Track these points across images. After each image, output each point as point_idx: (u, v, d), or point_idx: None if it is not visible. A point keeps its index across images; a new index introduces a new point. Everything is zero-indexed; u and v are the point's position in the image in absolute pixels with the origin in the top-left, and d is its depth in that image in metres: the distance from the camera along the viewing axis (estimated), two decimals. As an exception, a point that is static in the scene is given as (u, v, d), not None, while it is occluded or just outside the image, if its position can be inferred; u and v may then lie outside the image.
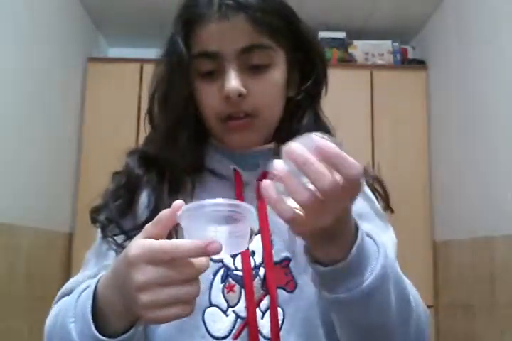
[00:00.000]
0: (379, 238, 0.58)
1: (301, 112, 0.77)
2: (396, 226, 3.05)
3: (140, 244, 0.49)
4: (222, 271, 0.68)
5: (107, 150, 3.04)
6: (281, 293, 0.67)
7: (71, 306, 0.59)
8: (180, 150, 0.72)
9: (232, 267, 0.68)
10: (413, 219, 3.02)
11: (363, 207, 0.75)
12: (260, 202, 0.69)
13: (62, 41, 2.86)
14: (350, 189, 0.45)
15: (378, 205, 0.78)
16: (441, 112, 3.01)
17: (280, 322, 0.66)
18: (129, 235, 0.67)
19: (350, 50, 3.30)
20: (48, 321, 0.67)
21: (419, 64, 3.25)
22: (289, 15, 0.75)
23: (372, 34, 3.36)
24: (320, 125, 0.79)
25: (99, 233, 0.73)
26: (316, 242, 0.52)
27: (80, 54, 3.13)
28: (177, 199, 0.56)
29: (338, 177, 0.45)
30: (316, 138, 0.46)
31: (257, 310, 0.66)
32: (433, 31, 3.20)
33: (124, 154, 0.78)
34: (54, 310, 0.68)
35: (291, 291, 0.68)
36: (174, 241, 0.49)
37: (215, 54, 0.69)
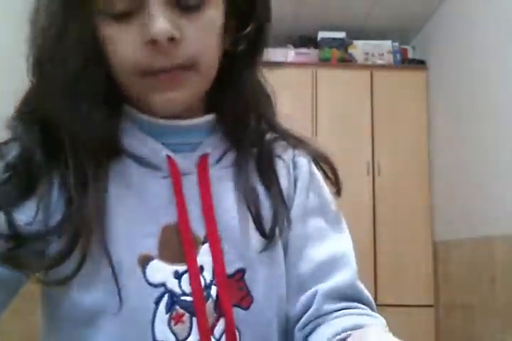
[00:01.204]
0: (344, 254, 0.56)
1: (239, 70, 0.59)
2: (396, 226, 3.07)
3: None
4: (166, 298, 0.52)
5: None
6: (237, 312, 0.54)
7: None
8: (83, 117, 0.52)
9: (179, 291, 0.53)
10: (413, 219, 3.02)
11: (315, 201, 0.63)
12: (204, 199, 0.56)
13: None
14: None
15: (331, 199, 0.64)
16: (441, 112, 3.01)
17: None
18: (22, 233, 0.50)
19: (350, 50, 3.30)
20: None
21: (419, 64, 3.26)
22: None
23: (372, 34, 3.36)
24: (260, 90, 0.62)
25: None
26: None
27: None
28: (89, 195, 0.47)
29: None
30: None
31: (212, 338, 0.53)
32: (433, 31, 3.20)
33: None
34: None
35: (247, 308, 0.55)
36: None
37: None
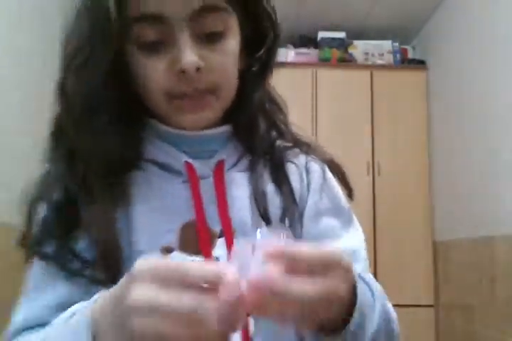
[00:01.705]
0: (353, 249, 0.60)
1: (251, 87, 0.65)
2: (396, 226, 3.07)
3: (150, 260, 0.40)
4: None
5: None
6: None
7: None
8: (106, 137, 0.58)
9: None
10: (413, 219, 3.03)
11: (328, 202, 0.67)
12: (220, 199, 0.61)
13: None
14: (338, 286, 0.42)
15: (344, 200, 0.69)
16: (441, 112, 3.01)
17: (252, 332, 0.58)
18: (87, 261, 0.57)
19: (350, 50, 3.30)
20: None
21: (419, 64, 3.26)
22: None
23: (372, 34, 3.36)
24: (272, 102, 0.70)
25: (36, 259, 0.62)
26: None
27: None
28: (104, 204, 0.55)
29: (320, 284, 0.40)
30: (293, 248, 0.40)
31: None
32: (433, 31, 3.20)
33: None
34: None
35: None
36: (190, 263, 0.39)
37: (160, 18, 0.55)
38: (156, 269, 0.39)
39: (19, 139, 2.35)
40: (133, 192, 0.60)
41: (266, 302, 0.38)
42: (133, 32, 0.56)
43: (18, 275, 2.46)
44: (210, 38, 0.58)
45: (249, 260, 0.40)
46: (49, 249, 0.59)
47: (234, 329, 0.37)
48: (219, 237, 0.60)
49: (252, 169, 0.65)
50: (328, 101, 3.10)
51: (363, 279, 0.51)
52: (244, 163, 0.66)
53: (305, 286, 0.39)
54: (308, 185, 0.67)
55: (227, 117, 0.65)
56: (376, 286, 0.53)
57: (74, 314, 0.47)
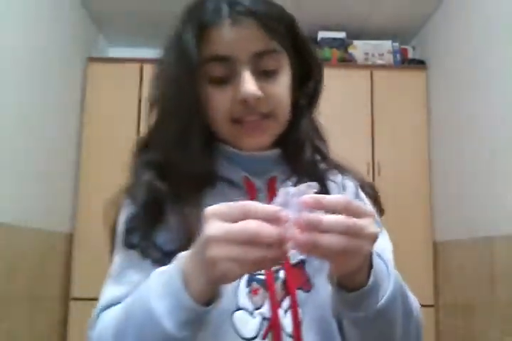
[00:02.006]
0: (382, 248, 0.67)
1: (299, 117, 0.80)
2: (396, 226, 3.07)
3: (219, 205, 0.53)
4: (246, 276, 0.71)
5: (107, 150, 3.05)
6: (299, 293, 0.71)
7: (146, 292, 0.58)
8: (193, 155, 0.72)
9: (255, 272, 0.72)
10: (413, 219, 3.03)
11: None
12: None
13: (62, 41, 2.86)
14: (370, 233, 0.53)
15: (374, 212, 0.80)
16: (441, 112, 3.01)
17: (299, 320, 0.71)
18: (167, 252, 0.68)
19: (350, 50, 3.30)
20: (102, 326, 0.65)
21: (419, 64, 3.26)
22: (291, 22, 0.78)
23: (372, 34, 3.36)
24: (317, 131, 0.84)
25: (119, 247, 0.74)
26: (345, 275, 0.58)
27: (79, 54, 3.13)
28: (192, 207, 0.67)
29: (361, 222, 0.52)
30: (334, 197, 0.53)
31: (280, 310, 0.70)
32: (433, 31, 3.20)
33: (125, 165, 0.79)
34: (106, 318, 0.66)
35: (308, 291, 0.72)
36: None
37: (228, 58, 0.71)
38: (225, 209, 0.52)
39: (19, 140, 2.35)
40: (205, 200, 0.71)
41: (313, 239, 0.50)
42: (205, 69, 0.71)
43: (18, 274, 2.46)
44: (266, 74, 0.72)
45: (288, 207, 0.52)
46: (135, 239, 0.71)
47: (285, 258, 0.52)
48: None
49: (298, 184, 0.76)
50: (328, 101, 3.09)
51: (382, 259, 0.63)
52: (293, 180, 0.77)
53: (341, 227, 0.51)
54: None
55: (277, 142, 0.78)
56: (395, 272, 0.63)
57: (161, 272, 0.59)
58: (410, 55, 3.39)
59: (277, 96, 0.73)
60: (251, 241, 0.50)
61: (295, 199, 0.52)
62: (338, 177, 0.82)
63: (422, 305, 0.72)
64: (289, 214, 0.51)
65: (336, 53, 3.25)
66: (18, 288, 2.29)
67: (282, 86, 0.74)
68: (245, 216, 0.51)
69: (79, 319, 2.86)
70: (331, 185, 0.80)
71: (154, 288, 0.57)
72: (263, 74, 0.72)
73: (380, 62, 3.27)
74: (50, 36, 2.70)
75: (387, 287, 0.61)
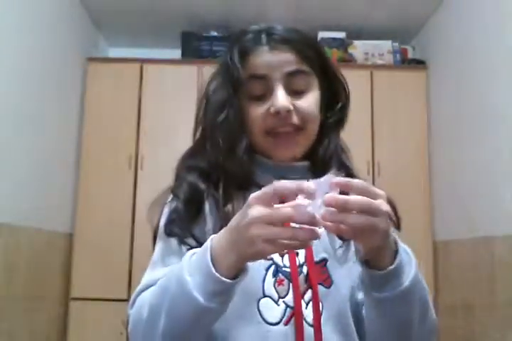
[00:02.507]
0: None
1: (327, 136, 0.90)
2: (396, 226, 2.92)
3: (257, 192, 0.62)
4: (273, 268, 0.79)
5: (107, 150, 3.05)
6: (321, 288, 0.79)
7: (179, 270, 0.66)
8: (239, 163, 0.83)
9: (281, 264, 0.80)
10: (413, 219, 3.02)
11: None
12: None
13: (62, 41, 2.86)
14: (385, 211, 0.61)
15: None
16: (441, 112, 3.01)
17: (320, 312, 0.78)
18: (201, 242, 0.76)
19: (350, 50, 3.30)
20: (140, 303, 0.73)
21: (419, 64, 3.26)
22: (320, 49, 0.89)
23: (372, 34, 3.36)
24: (343, 149, 0.95)
25: (160, 237, 0.83)
26: (373, 254, 0.66)
27: (79, 54, 3.13)
28: (231, 207, 0.77)
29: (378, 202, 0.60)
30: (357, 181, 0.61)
31: (302, 301, 0.78)
32: (433, 31, 3.20)
33: (174, 168, 0.89)
34: (144, 296, 0.73)
35: (328, 287, 0.80)
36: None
37: (264, 76, 0.82)
38: (262, 195, 0.60)
39: (20, 140, 2.35)
40: (239, 201, 0.80)
41: (340, 218, 0.58)
42: (246, 87, 0.83)
43: (18, 274, 2.46)
44: (297, 93, 0.83)
45: (319, 190, 0.59)
46: (175, 228, 0.80)
47: (315, 236, 0.59)
48: None
49: None
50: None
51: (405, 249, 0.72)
52: None
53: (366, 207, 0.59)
54: None
55: (307, 156, 0.88)
56: (416, 260, 0.72)
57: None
58: (410, 55, 3.39)
59: (306, 111, 0.83)
60: (286, 222, 0.58)
61: (324, 183, 0.60)
62: None
63: (422, 305, 0.74)
64: (318, 194, 0.59)
65: (335, 53, 3.25)
66: (18, 287, 2.29)
67: (311, 103, 0.84)
68: (279, 196, 0.60)
69: (79, 319, 2.87)
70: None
71: (187, 265, 0.66)
72: (294, 93, 0.83)
73: (380, 62, 3.27)
74: (50, 36, 2.70)
75: (409, 271, 0.68)
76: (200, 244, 0.75)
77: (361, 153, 3.07)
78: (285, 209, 0.59)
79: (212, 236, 0.67)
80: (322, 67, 0.88)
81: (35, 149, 2.50)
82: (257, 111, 0.83)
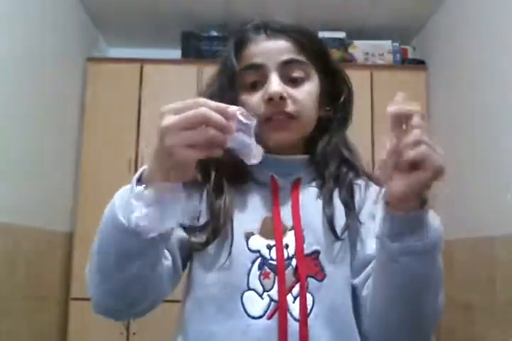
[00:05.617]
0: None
1: (329, 132, 0.90)
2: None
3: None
4: (259, 260, 0.78)
5: (107, 150, 3.05)
6: (312, 282, 0.78)
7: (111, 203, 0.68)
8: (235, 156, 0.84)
9: (268, 257, 0.79)
10: (413, 219, 3.02)
11: (380, 209, 0.82)
12: (294, 202, 0.82)
13: (61, 41, 2.86)
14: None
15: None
16: (441, 112, 3.01)
17: (310, 307, 0.76)
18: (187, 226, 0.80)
19: (350, 50, 3.30)
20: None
21: (419, 64, 3.26)
22: (320, 42, 0.89)
23: (372, 34, 3.36)
24: (347, 146, 0.94)
25: None
26: (410, 197, 0.65)
27: (79, 54, 3.13)
28: (221, 200, 0.79)
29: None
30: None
31: (290, 295, 0.76)
32: (433, 31, 3.20)
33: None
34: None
35: (321, 280, 0.78)
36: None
37: (260, 65, 0.83)
38: (178, 105, 0.59)
39: (20, 139, 2.35)
40: (235, 193, 0.83)
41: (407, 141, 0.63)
42: (243, 77, 0.83)
43: (18, 274, 2.46)
44: (293, 81, 0.83)
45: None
46: None
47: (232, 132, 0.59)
48: (290, 230, 0.81)
49: (322, 188, 0.86)
50: (328, 101, 3.10)
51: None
52: (317, 183, 0.87)
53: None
54: (365, 199, 0.87)
55: (308, 148, 0.89)
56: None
57: None
58: (410, 55, 3.39)
59: (301, 100, 0.83)
60: (202, 123, 0.57)
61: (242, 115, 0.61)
62: (363, 183, 0.90)
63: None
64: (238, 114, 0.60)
65: (335, 53, 3.24)
66: (18, 287, 2.29)
67: (307, 93, 0.84)
68: (199, 119, 0.58)
69: (79, 319, 2.87)
70: (356, 189, 0.88)
71: (119, 194, 0.67)
72: (290, 81, 0.83)
73: (380, 62, 3.27)
74: (49, 36, 2.70)
75: (435, 225, 0.68)
76: (197, 226, 0.80)
77: (361, 153, 3.06)
78: (200, 110, 0.57)
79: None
80: (322, 59, 0.88)
81: (35, 149, 2.50)
82: (253, 100, 0.82)
